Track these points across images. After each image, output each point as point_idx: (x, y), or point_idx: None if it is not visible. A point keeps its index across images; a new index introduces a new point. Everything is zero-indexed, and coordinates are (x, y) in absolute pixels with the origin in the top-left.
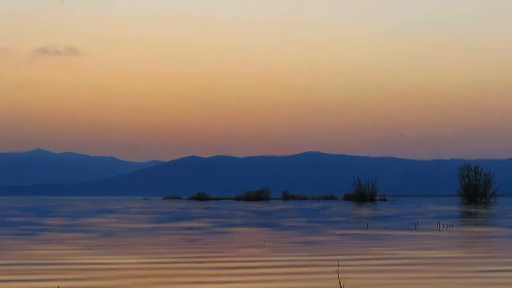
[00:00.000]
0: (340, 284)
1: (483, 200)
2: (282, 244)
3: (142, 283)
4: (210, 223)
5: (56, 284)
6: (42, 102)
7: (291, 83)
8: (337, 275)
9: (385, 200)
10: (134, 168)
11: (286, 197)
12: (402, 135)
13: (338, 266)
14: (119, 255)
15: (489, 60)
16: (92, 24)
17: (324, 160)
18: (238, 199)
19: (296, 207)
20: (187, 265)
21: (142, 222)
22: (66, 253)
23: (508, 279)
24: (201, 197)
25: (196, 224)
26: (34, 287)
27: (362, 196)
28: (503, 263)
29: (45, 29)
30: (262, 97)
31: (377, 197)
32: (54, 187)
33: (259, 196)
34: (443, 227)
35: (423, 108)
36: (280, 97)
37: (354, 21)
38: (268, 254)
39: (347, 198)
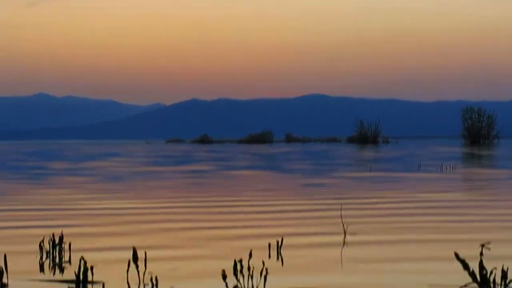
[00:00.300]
0: (343, 228)
1: (486, 142)
2: (286, 188)
3: (148, 229)
4: (215, 166)
5: (59, 230)
6: (44, 46)
7: (294, 25)
8: (340, 219)
9: (387, 142)
10: (135, 111)
11: (289, 139)
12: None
13: (341, 210)
14: (124, 199)
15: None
16: None
17: (327, 103)
18: (240, 142)
19: (300, 149)
20: (191, 210)
21: (147, 165)
22: (72, 197)
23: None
24: (204, 140)
25: (201, 167)
26: (38, 234)
27: (365, 138)
28: (507, 206)
29: None
30: (265, 40)
31: (379, 139)
32: (56, 131)
33: (262, 138)
34: (446, 168)
35: (426, 49)
36: (282, 40)
37: None
38: (272, 198)
39: (350, 140)
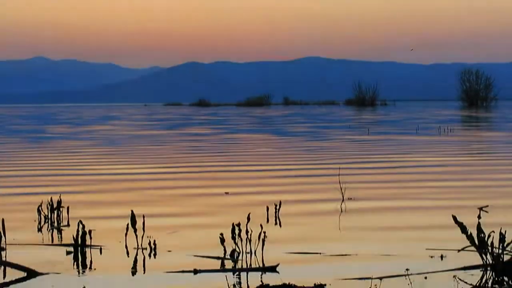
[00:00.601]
0: (341, 192)
1: (484, 104)
2: (284, 151)
3: (146, 193)
4: (215, 130)
5: (57, 195)
6: (42, 9)
7: None
8: (338, 183)
9: (385, 105)
10: (134, 74)
11: (287, 103)
12: (412, 49)
13: (339, 174)
14: (123, 164)
15: None
16: None
17: (325, 65)
18: (239, 105)
19: (299, 111)
20: (190, 174)
21: (147, 129)
22: (71, 162)
23: (506, 189)
24: (202, 104)
25: (202, 130)
26: (36, 198)
27: (363, 101)
28: (505, 169)
29: None
30: (263, 2)
31: (377, 102)
32: (55, 94)
33: (260, 102)
34: (444, 131)
35: (424, 11)
36: (279, 2)
37: None
38: (271, 162)
39: (348, 103)
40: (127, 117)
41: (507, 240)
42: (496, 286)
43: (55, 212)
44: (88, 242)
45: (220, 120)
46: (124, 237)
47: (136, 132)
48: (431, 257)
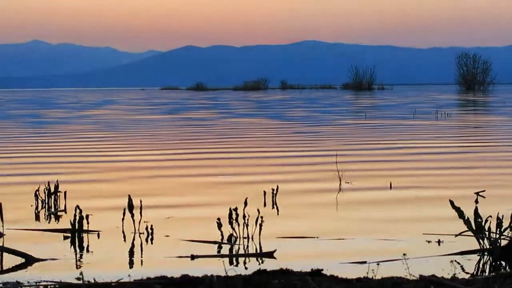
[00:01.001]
0: (338, 176)
1: (481, 88)
2: (283, 136)
3: (144, 178)
4: (215, 115)
5: (55, 178)
6: None
7: None
8: (335, 167)
9: (382, 89)
10: (131, 58)
11: (284, 87)
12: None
13: (336, 158)
14: (121, 148)
15: None
16: None
17: (322, 48)
18: (236, 89)
19: (297, 96)
20: (187, 158)
21: (148, 113)
22: (69, 146)
23: (500, 176)
24: (199, 88)
25: (204, 115)
26: (33, 182)
27: (360, 85)
28: (501, 155)
29: None
30: None
31: (374, 86)
32: (52, 78)
33: (257, 86)
34: (441, 115)
35: None
36: None
37: None
38: (269, 146)
39: (345, 87)
40: (126, 101)
41: (504, 225)
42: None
43: (52, 197)
44: (85, 227)
45: (220, 105)
46: (121, 222)
47: (136, 116)
48: (428, 242)
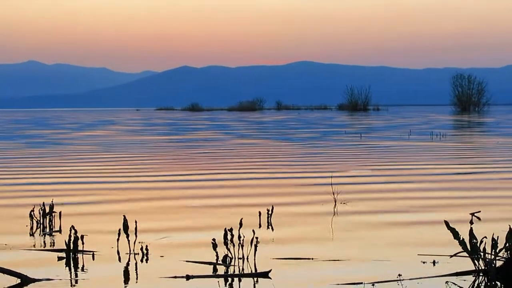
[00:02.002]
0: (334, 197)
1: (476, 109)
2: (278, 157)
3: (139, 198)
4: (218, 135)
5: (49, 199)
6: (34, 13)
7: None
8: (331, 188)
9: (378, 109)
10: (127, 79)
11: (280, 107)
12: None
13: (332, 179)
14: (121, 171)
15: None
16: None
17: (316, 70)
18: (231, 110)
19: (296, 117)
20: (183, 179)
21: (147, 134)
22: (65, 167)
23: (493, 199)
24: (194, 109)
25: (208, 135)
26: (29, 203)
27: (355, 106)
28: (491, 178)
29: None
30: (254, 7)
31: (370, 107)
32: (47, 99)
33: (253, 106)
34: (436, 136)
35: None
36: (272, 6)
37: None
38: (265, 167)
39: (340, 108)
40: (124, 122)
41: (499, 246)
42: None
43: (47, 217)
44: (80, 248)
45: (221, 125)
46: (116, 243)
47: (145, 137)
48: (423, 262)
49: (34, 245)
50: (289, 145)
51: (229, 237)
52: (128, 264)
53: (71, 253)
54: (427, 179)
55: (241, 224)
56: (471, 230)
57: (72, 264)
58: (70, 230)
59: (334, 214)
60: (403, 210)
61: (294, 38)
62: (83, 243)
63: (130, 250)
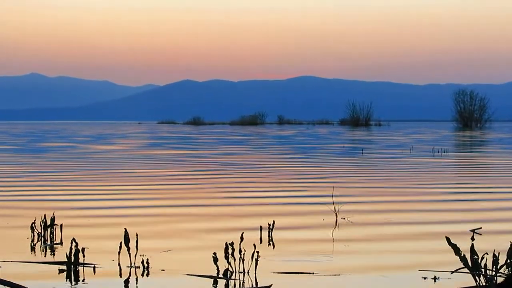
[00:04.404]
0: (335, 212)
1: (478, 125)
2: (279, 173)
3: (141, 212)
4: (232, 150)
5: (51, 211)
6: (36, 26)
7: (285, 6)
8: (332, 204)
9: (380, 125)
10: (129, 92)
11: (281, 122)
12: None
13: (333, 194)
14: (123, 185)
15: None
16: None
17: (318, 84)
18: (233, 124)
19: (303, 131)
20: (185, 193)
21: (157, 149)
22: (67, 180)
23: (493, 214)
24: (196, 122)
25: (223, 150)
26: (30, 215)
27: (357, 121)
28: (493, 194)
29: None
30: (257, 21)
31: (371, 122)
32: (49, 111)
33: (254, 121)
34: (438, 152)
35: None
36: (274, 21)
37: None
38: (269, 182)
39: (342, 123)
40: (127, 135)
41: (500, 262)
42: None
43: (49, 229)
44: (81, 260)
45: (229, 140)
46: (118, 256)
47: (151, 152)
48: (424, 278)
49: (35, 258)
50: (287, 159)
51: (230, 250)
52: (129, 277)
53: (72, 266)
54: (428, 193)
55: (242, 238)
56: (472, 246)
57: (72, 277)
58: (71, 243)
59: (335, 228)
60: (404, 225)
61: (296, 53)
62: (84, 256)
63: (131, 263)
